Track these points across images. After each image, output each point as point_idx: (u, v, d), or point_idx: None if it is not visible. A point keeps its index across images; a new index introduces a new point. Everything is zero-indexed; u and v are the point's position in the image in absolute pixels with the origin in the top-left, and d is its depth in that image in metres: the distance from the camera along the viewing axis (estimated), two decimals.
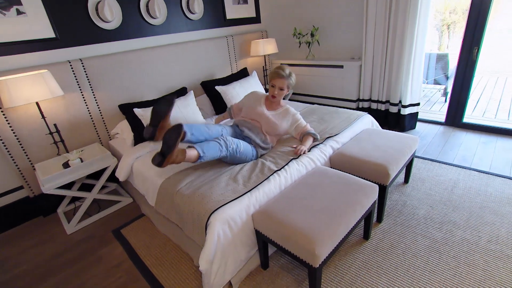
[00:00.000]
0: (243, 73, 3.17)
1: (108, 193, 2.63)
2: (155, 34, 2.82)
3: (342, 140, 2.11)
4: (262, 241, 1.48)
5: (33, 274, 1.85)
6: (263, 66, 3.64)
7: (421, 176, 2.31)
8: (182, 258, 1.77)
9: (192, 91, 2.58)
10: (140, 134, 2.32)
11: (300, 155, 1.84)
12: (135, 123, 2.33)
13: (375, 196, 1.55)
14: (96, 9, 2.39)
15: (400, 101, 3.05)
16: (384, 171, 1.70)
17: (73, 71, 2.32)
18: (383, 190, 1.75)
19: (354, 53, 3.38)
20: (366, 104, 3.30)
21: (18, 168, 2.23)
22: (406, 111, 3.02)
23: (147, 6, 2.66)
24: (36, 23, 2.16)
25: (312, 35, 3.47)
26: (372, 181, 1.77)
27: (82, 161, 2.18)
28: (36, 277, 1.82)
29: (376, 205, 1.86)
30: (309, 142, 1.97)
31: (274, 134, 2.04)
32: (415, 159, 2.56)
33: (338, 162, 1.93)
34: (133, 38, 2.68)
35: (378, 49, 2.98)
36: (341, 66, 3.27)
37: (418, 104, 3.03)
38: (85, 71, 2.39)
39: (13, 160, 2.19)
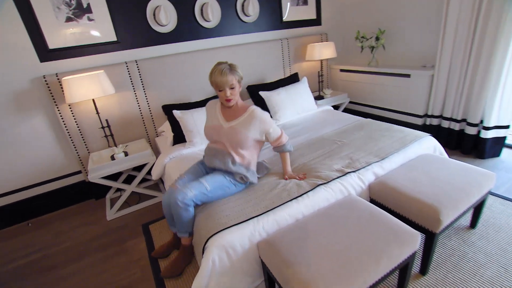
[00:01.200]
0: (292, 79, 2.99)
1: (148, 187, 2.79)
2: (208, 37, 2.86)
3: (389, 166, 1.78)
4: (267, 273, 1.33)
5: (72, 251, 2.07)
6: (319, 72, 3.39)
7: (496, 222, 1.81)
8: (195, 269, 1.74)
9: None
10: (178, 135, 2.37)
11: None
12: (175, 124, 2.39)
13: (414, 246, 1.24)
14: (154, 14, 2.52)
15: (481, 121, 2.46)
16: (434, 215, 1.36)
17: (128, 71, 2.51)
18: (430, 238, 1.40)
19: (425, 61, 2.87)
20: (435, 121, 2.78)
21: (78, 155, 2.52)
22: (488, 134, 2.42)
23: (201, 9, 2.71)
24: (102, 28, 2.39)
25: (377, 38, 3.07)
26: (417, 225, 1.44)
27: (126, 155, 2.35)
28: (74, 255, 2.02)
29: (419, 251, 1.50)
30: (288, 161, 1.72)
31: (244, 149, 1.59)
32: (492, 198, 2.02)
33: (378, 193, 1.63)
34: (185, 40, 2.77)
35: (457, 56, 2.45)
36: (408, 75, 2.81)
37: (507, 127, 2.40)
38: (139, 72, 2.56)
39: (74, 147, 2.49)
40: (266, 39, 3.17)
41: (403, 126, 2.25)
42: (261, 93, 2.68)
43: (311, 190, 1.51)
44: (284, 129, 2.42)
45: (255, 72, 3.12)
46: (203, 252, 1.28)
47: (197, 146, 2.28)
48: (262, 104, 2.70)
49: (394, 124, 2.31)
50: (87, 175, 2.60)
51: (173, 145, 2.42)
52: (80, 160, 2.55)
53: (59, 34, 2.27)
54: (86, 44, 2.38)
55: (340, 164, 1.74)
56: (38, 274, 1.90)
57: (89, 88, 2.12)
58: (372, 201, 1.67)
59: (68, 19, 2.26)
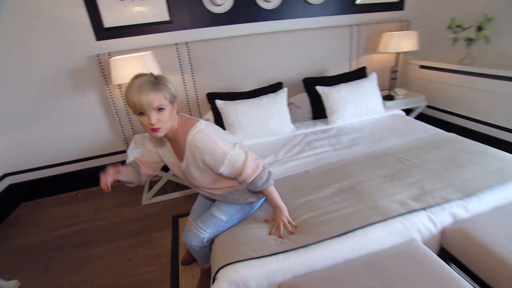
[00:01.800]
0: (358, 74, 2.53)
1: None
2: (266, 20, 2.57)
3: (477, 208, 1.30)
4: None
5: (105, 231, 2.09)
6: (392, 67, 2.83)
7: None
8: None
9: (285, 89, 2.23)
10: (220, 127, 2.19)
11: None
12: (217, 114, 2.21)
13: None
14: None
15: None
16: None
17: (178, 53, 2.39)
18: None
19: None
20: None
21: (124, 135, 2.55)
22: None
23: None
24: (155, 7, 2.29)
25: (479, 28, 2.38)
26: None
27: None
28: (106, 236, 2.05)
29: None
30: (276, 197, 1.23)
31: (223, 184, 1.24)
32: None
33: (455, 244, 1.20)
34: (241, 23, 2.52)
35: None
36: None
37: None
38: (188, 55, 2.42)
39: (121, 127, 2.51)
40: (332, 24, 2.73)
41: (504, 150, 1.68)
42: (319, 88, 2.31)
43: (361, 228, 1.16)
44: (340, 135, 2.05)
45: (314, 63, 2.73)
46: (213, 282, 1.07)
47: None
48: (318, 100, 2.33)
49: (490, 146, 1.74)
50: None
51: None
52: (126, 140, 2.57)
53: (114, 13, 2.23)
54: (139, 24, 2.30)
55: (405, 194, 1.33)
56: (72, 248, 1.96)
57: (134, 70, 2.04)
58: (444, 252, 1.25)
59: None
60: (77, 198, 2.61)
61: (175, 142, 1.13)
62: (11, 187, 2.54)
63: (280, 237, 1.16)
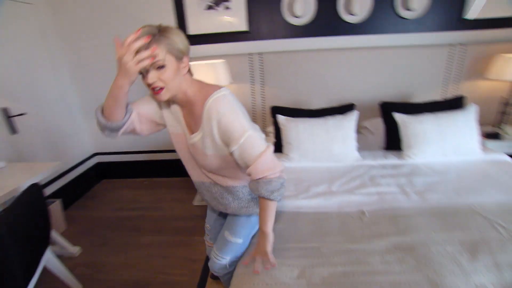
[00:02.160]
0: (453, 103, 2.09)
1: None
2: (348, 34, 2.36)
3: None
4: None
5: (157, 223, 2.24)
6: (503, 98, 2.25)
7: None
8: None
9: (356, 112, 1.99)
10: (279, 143, 2.10)
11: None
12: (279, 129, 2.12)
13: None
14: (291, 5, 2.26)
15: None
16: None
17: (251, 63, 2.41)
18: None
19: None
20: None
21: None
22: None
23: (347, 0, 2.22)
24: (235, 17, 2.35)
25: None
26: None
27: None
28: (156, 227, 2.19)
29: None
30: (270, 218, 1.00)
31: (235, 176, 1.08)
32: None
33: None
34: (320, 36, 2.38)
35: None
36: None
37: None
38: (261, 65, 2.41)
39: None
40: (428, 42, 2.33)
41: None
42: (397, 115, 1.99)
43: None
44: (414, 175, 1.72)
45: (397, 85, 2.40)
46: None
47: (292, 163, 1.94)
48: (394, 129, 2.02)
49: None
50: None
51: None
52: None
53: (198, 21, 2.37)
54: (218, 32, 2.40)
55: (489, 279, 0.99)
56: (126, 231, 2.16)
57: (204, 77, 2.11)
58: None
59: (209, 7, 2.32)
60: (143, 185, 2.88)
61: (188, 109, 0.97)
62: (98, 164, 2.98)
63: (256, 271, 1.01)
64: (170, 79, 0.86)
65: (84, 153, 2.83)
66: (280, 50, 2.41)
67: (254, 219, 1.20)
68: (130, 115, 0.96)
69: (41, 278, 1.37)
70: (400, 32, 2.33)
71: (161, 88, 0.87)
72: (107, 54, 2.54)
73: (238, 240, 1.16)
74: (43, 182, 2.28)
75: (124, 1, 2.39)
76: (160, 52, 0.82)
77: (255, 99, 2.53)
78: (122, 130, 0.96)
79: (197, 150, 1.00)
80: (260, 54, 2.38)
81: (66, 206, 2.42)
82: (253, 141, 0.91)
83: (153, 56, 0.81)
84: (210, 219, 1.38)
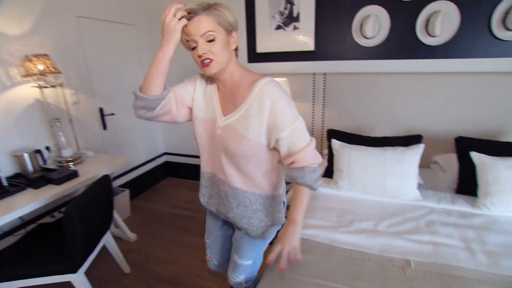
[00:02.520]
0: None
1: None
2: (425, 57, 2.12)
3: None
4: None
5: (203, 225, 2.37)
6: None
7: None
8: None
9: (421, 146, 1.76)
10: (330, 168, 2.00)
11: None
12: (332, 153, 2.03)
13: None
14: (361, 24, 2.16)
15: None
16: None
17: (313, 83, 2.38)
18: None
19: None
20: None
21: None
22: None
23: (427, 20, 2.01)
24: (303, 37, 2.36)
25: None
26: None
27: None
28: (202, 229, 2.31)
29: None
30: (304, 206, 0.97)
31: (245, 169, 0.99)
32: None
33: None
34: (391, 58, 2.20)
35: None
36: None
37: None
38: (324, 86, 2.37)
39: None
40: None
41: None
42: (475, 155, 1.69)
43: None
44: (488, 230, 1.42)
45: (481, 118, 2.03)
46: None
47: (340, 191, 1.82)
48: (470, 170, 1.71)
49: None
50: None
51: (323, 176, 2.10)
52: None
53: (267, 40, 2.47)
54: (284, 51, 2.45)
55: None
56: (176, 228, 2.35)
57: None
58: None
59: (278, 27, 2.40)
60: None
61: (229, 90, 0.97)
62: (166, 163, 3.35)
63: (283, 269, 0.96)
64: (219, 52, 0.86)
65: (155, 152, 3.21)
66: (346, 72, 2.32)
67: (259, 242, 1.15)
68: (168, 92, 0.96)
69: (99, 255, 1.60)
70: (494, 56, 1.99)
71: (211, 61, 0.87)
72: (186, 71, 2.86)
73: (247, 262, 1.16)
74: (118, 173, 2.67)
75: None
76: (211, 24, 0.84)
77: (314, 119, 2.48)
78: (159, 107, 0.94)
79: (231, 132, 0.95)
80: (324, 74, 2.33)
81: (133, 196, 2.78)
82: (303, 128, 0.93)
83: (208, 31, 0.84)
84: (209, 234, 1.30)
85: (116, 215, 2.14)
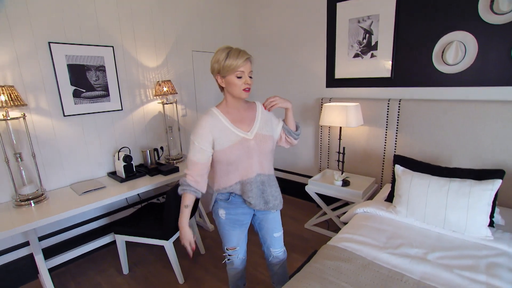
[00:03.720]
0: None
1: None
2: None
3: None
4: None
5: None
6: None
7: None
8: None
9: (498, 181, 1.60)
10: (393, 193, 2.01)
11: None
12: (394, 180, 2.03)
13: None
14: (442, 52, 2.12)
15: None
16: None
17: (388, 109, 2.41)
18: None
19: None
20: None
21: (320, 166, 2.98)
22: None
23: None
24: (380, 64, 2.45)
25: None
26: None
27: (345, 185, 2.43)
28: None
29: None
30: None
31: (270, 157, 1.43)
32: None
33: None
34: (475, 86, 2.06)
35: None
36: None
37: None
38: (398, 111, 2.37)
39: (320, 159, 2.96)
40: None
41: None
42: None
43: None
44: None
45: (508, 150, 1.68)
46: None
47: (398, 217, 1.82)
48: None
49: None
50: None
51: (385, 200, 2.11)
52: (320, 169, 2.99)
53: (345, 67, 2.66)
54: (360, 78, 2.58)
55: None
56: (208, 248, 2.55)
57: (336, 118, 2.37)
58: None
59: (356, 55, 2.56)
60: None
61: (238, 112, 1.34)
62: None
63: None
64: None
65: None
66: (423, 98, 2.28)
67: (279, 213, 1.57)
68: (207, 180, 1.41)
69: None
70: None
71: (250, 88, 1.29)
72: (280, 87, 3.29)
73: (282, 231, 1.58)
74: None
75: (290, 50, 3.05)
76: (251, 67, 1.30)
77: (386, 144, 2.48)
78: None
79: (261, 138, 1.34)
80: (398, 100, 2.34)
81: None
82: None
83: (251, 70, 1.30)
84: (233, 240, 1.48)
85: (201, 207, 2.66)
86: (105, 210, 2.47)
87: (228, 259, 1.56)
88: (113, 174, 2.33)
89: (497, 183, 1.60)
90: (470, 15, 1.99)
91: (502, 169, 1.71)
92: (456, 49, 2.04)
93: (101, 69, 2.27)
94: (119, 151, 2.29)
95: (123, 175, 2.23)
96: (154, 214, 2.19)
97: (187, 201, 1.34)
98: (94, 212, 2.41)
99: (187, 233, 1.36)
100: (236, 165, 1.31)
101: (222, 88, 1.34)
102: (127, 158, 2.23)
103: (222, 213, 1.43)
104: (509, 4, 1.83)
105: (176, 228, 2.01)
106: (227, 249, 1.52)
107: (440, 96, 2.22)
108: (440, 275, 1.32)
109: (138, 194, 2.63)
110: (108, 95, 2.34)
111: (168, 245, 1.97)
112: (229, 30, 3.30)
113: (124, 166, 2.23)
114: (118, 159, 2.24)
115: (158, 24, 2.62)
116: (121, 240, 2.07)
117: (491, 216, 1.64)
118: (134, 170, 2.32)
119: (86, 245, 2.12)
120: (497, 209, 1.78)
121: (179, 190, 1.35)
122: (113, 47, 2.32)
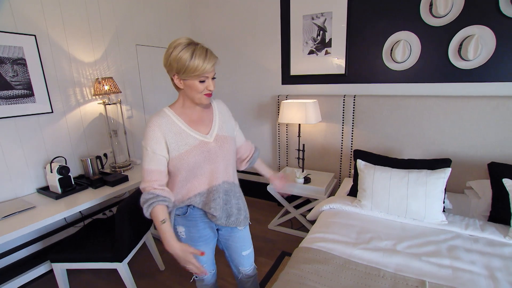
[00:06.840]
0: None
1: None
2: (458, 81, 2.12)
3: None
4: None
5: None
6: None
7: None
8: None
9: (448, 170, 1.74)
10: (356, 187, 2.06)
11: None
12: (356, 173, 2.09)
13: None
14: (391, 49, 2.24)
15: None
16: None
17: (343, 105, 2.47)
18: None
19: None
20: None
21: (279, 165, 2.94)
22: None
23: (460, 45, 2.03)
24: (334, 61, 2.50)
25: None
26: None
27: (306, 182, 2.41)
28: None
29: None
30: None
31: (233, 162, 1.30)
32: None
33: None
34: (422, 82, 2.23)
35: None
36: None
37: None
38: (353, 107, 2.45)
39: (278, 158, 2.92)
40: None
41: None
42: (507, 181, 1.63)
43: None
44: None
45: (449, 139, 1.96)
46: None
47: (363, 210, 1.86)
48: (503, 198, 1.66)
49: None
50: None
51: (348, 194, 2.15)
52: (279, 169, 2.95)
53: (300, 64, 2.65)
54: (316, 74, 2.60)
55: None
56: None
57: (295, 115, 2.35)
58: None
59: (311, 52, 2.57)
60: None
61: (195, 112, 1.17)
62: None
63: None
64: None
65: None
66: (375, 94, 2.39)
67: (248, 228, 1.42)
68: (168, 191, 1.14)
69: (139, 251, 1.83)
70: None
71: (211, 94, 1.14)
72: (228, 87, 3.14)
73: (251, 247, 1.43)
74: None
75: (243, 46, 2.94)
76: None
77: (343, 139, 2.55)
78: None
79: (222, 139, 1.19)
80: (353, 96, 2.42)
81: None
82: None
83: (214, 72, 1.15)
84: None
85: None
86: (37, 234, 2.05)
87: (197, 277, 1.40)
88: (44, 190, 1.93)
89: (448, 171, 1.73)
90: (414, 17, 2.13)
91: (449, 158, 1.87)
92: (403, 48, 2.17)
93: (20, 62, 1.85)
94: (51, 162, 1.91)
95: (59, 190, 1.87)
96: (102, 233, 1.88)
97: (161, 216, 1.07)
98: (22, 238, 1.97)
99: (184, 251, 1.08)
100: (195, 173, 1.14)
101: (177, 88, 1.15)
102: (63, 170, 1.87)
103: (181, 231, 1.24)
104: (445, 8, 2.01)
105: (130, 247, 1.75)
106: None
107: (391, 92, 2.35)
108: (411, 265, 1.37)
109: (80, 211, 2.25)
110: (32, 94, 1.93)
111: (122, 267, 1.70)
112: (176, 23, 3.04)
113: (60, 180, 1.87)
114: (51, 172, 1.87)
115: (94, 12, 2.26)
116: (60, 269, 1.73)
117: (443, 202, 1.77)
118: (73, 183, 1.97)
119: (15, 279, 1.72)
120: (445, 195, 1.94)
121: (146, 210, 1.08)
122: (35, 36, 1.91)
